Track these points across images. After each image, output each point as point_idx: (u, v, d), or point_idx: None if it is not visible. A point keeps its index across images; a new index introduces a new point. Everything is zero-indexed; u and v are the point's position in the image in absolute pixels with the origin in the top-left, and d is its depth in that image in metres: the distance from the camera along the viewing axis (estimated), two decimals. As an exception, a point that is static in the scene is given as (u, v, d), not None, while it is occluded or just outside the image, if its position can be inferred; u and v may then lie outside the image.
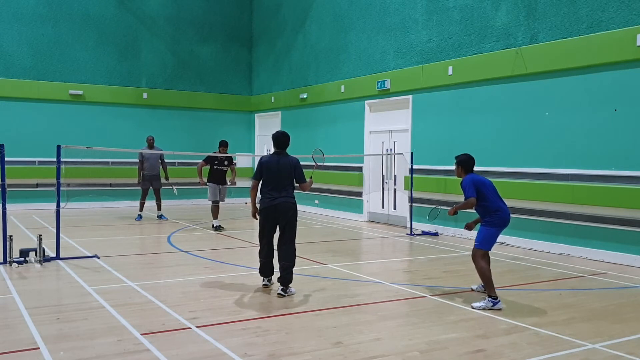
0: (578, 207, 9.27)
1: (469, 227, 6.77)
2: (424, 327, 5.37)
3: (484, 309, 5.97)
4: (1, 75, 15.43)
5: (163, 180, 13.75)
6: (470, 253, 6.55)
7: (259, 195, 6.84)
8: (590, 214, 9.13)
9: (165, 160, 14.10)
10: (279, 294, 6.48)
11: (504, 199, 6.56)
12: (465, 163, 6.61)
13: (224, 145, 12.21)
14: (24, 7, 15.65)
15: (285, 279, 6.54)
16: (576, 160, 9.36)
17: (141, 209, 13.64)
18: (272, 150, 6.91)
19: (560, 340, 5.00)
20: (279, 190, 6.64)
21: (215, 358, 4.48)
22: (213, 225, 12.12)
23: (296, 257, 6.73)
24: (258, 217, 6.83)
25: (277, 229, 6.76)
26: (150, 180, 13.53)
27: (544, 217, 9.85)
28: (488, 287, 6.17)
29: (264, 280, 6.90)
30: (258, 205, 6.82)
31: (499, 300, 6.07)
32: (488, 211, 6.35)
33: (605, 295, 6.76)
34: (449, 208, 7.01)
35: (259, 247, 6.90)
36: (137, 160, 13.59)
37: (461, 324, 5.45)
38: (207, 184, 12.25)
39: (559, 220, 9.60)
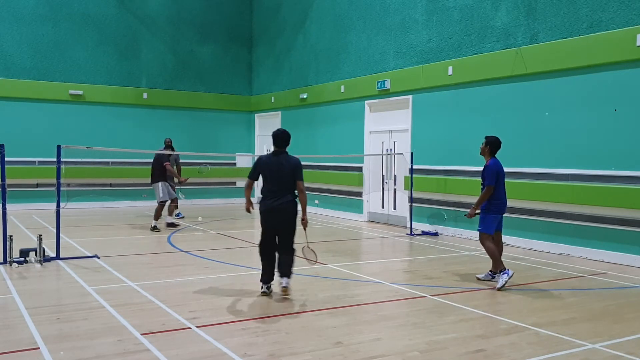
0: (578, 207, 9.27)
1: (470, 215, 7.36)
2: (424, 327, 5.37)
3: (506, 282, 6.87)
4: (1, 75, 15.43)
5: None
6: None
7: (258, 195, 6.81)
8: (590, 214, 9.12)
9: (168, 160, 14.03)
10: (283, 287, 6.33)
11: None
12: (493, 144, 7.37)
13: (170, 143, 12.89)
14: (24, 7, 15.65)
15: (287, 271, 6.44)
16: (576, 160, 9.36)
17: (177, 207, 13.45)
18: (272, 149, 6.66)
19: (560, 340, 5.00)
20: (279, 192, 6.40)
21: (215, 358, 4.48)
22: (156, 227, 11.84)
23: (294, 262, 6.55)
24: (252, 210, 6.72)
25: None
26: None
27: (544, 217, 9.85)
28: (497, 263, 7.13)
29: (262, 288, 6.52)
30: (258, 208, 6.61)
31: (508, 269, 6.99)
32: (495, 198, 7.14)
33: (605, 295, 6.76)
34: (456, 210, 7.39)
35: (259, 248, 6.68)
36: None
37: (461, 324, 5.45)
38: (166, 182, 12.11)
39: (559, 220, 9.60)
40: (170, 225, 12.29)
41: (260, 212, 6.54)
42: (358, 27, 14.22)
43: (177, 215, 13.94)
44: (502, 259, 7.31)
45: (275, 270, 6.55)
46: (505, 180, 10.20)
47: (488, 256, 7.43)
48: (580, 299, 6.53)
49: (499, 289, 6.86)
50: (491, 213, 7.18)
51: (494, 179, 7.11)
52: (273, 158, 6.52)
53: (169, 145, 13.57)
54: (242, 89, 19.11)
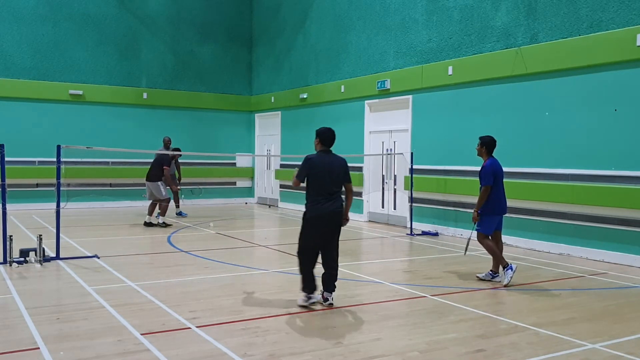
0: (578, 207, 9.27)
1: (475, 219, 7.32)
2: (424, 327, 5.37)
3: (511, 277, 6.97)
4: (1, 75, 15.43)
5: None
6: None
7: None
8: (590, 214, 9.12)
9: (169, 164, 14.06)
10: (329, 304, 5.91)
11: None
12: (489, 144, 7.39)
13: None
14: (24, 7, 15.65)
15: (333, 286, 6.02)
16: (576, 160, 9.36)
17: (178, 206, 14.03)
18: (319, 149, 6.14)
19: (560, 340, 5.00)
20: (330, 195, 5.90)
21: (215, 358, 4.48)
22: (165, 223, 12.45)
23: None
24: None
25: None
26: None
27: (544, 217, 9.85)
28: (498, 259, 7.16)
29: (305, 298, 5.93)
30: (305, 214, 6.02)
31: (510, 265, 7.04)
32: (492, 199, 7.17)
33: (605, 295, 6.76)
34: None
35: (299, 259, 6.05)
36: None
37: (461, 324, 5.45)
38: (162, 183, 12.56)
39: (559, 220, 9.60)
40: (149, 224, 12.34)
41: (311, 218, 5.93)
42: (358, 27, 14.22)
43: (180, 214, 14.03)
44: (481, 255, 7.31)
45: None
46: (506, 180, 10.27)
47: (490, 255, 7.45)
48: (580, 299, 6.53)
49: (506, 285, 6.96)
50: (489, 213, 7.23)
51: (490, 179, 7.15)
52: (325, 158, 6.04)
53: (167, 145, 13.62)
54: (242, 89, 19.11)
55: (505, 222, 10.39)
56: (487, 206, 7.20)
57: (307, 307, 5.93)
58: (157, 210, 12.54)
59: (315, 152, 6.16)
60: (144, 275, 7.57)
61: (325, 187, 5.90)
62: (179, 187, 13.10)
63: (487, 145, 7.41)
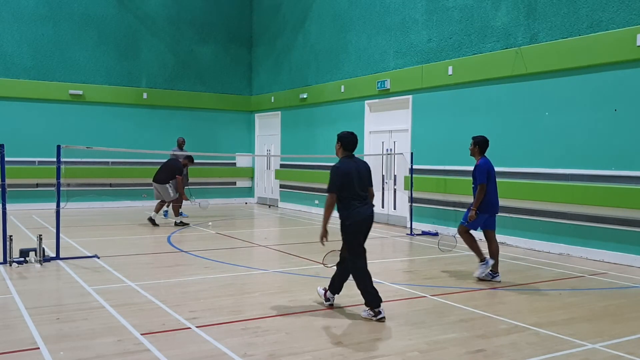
0: (578, 207, 9.27)
1: (471, 218, 7.40)
2: (424, 327, 5.37)
3: (483, 273, 7.25)
4: (1, 75, 15.43)
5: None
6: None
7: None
8: (590, 214, 9.12)
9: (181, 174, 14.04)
10: (380, 318, 5.59)
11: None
12: (482, 144, 7.56)
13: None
14: (24, 7, 15.65)
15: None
16: (576, 160, 9.36)
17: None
18: (346, 153, 5.97)
19: (560, 340, 5.00)
20: (363, 198, 5.80)
21: (215, 358, 4.48)
22: (182, 222, 12.65)
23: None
24: (326, 242, 5.82)
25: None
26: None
27: (544, 217, 9.85)
28: (477, 253, 7.36)
29: (376, 312, 5.61)
30: (346, 220, 5.83)
31: (487, 260, 7.27)
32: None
33: (605, 295, 6.76)
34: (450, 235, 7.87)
35: (359, 272, 5.80)
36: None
37: (461, 324, 5.45)
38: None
39: (559, 220, 9.60)
40: (152, 221, 12.40)
41: (354, 224, 5.77)
42: (358, 27, 14.22)
43: (180, 214, 14.02)
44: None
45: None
46: (507, 180, 10.31)
47: (473, 254, 7.58)
48: (580, 299, 6.53)
49: (478, 278, 7.28)
50: (480, 211, 7.35)
51: (485, 177, 7.31)
52: (352, 163, 5.86)
53: (181, 146, 13.71)
54: (242, 89, 19.11)
55: (506, 222, 10.45)
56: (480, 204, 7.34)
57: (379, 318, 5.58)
58: (163, 209, 12.57)
59: (339, 160, 5.95)
60: (144, 275, 7.57)
61: (359, 191, 5.78)
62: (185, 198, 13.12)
63: (480, 144, 7.56)
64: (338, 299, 6.30)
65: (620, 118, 8.77)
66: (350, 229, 5.77)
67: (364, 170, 5.89)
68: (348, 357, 4.53)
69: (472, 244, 7.43)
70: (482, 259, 7.31)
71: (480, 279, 7.37)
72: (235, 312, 5.82)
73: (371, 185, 5.97)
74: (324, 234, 5.85)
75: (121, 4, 17.00)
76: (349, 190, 5.74)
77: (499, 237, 10.57)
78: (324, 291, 6.15)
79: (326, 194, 5.90)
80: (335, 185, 5.73)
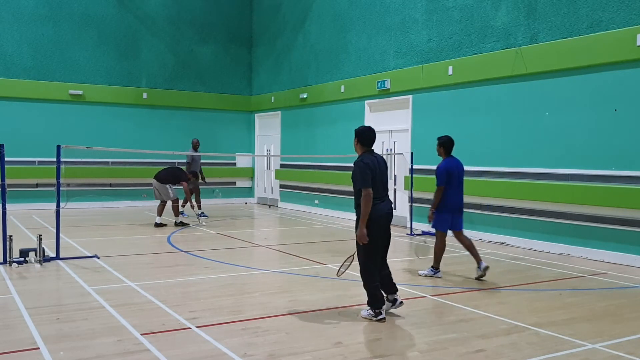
0: (578, 207, 9.27)
1: (430, 218, 7.69)
2: (424, 327, 5.37)
3: (426, 275, 7.59)
4: (1, 75, 15.43)
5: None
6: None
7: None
8: (590, 214, 9.12)
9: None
10: (400, 302, 5.70)
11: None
12: (446, 144, 7.72)
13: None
14: (24, 7, 15.65)
15: (395, 284, 5.84)
16: (576, 160, 9.36)
17: (200, 207, 14.10)
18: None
19: (560, 340, 5.00)
20: (384, 196, 5.68)
21: (215, 358, 4.48)
22: (182, 222, 12.78)
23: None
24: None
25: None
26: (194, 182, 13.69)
27: (544, 217, 9.85)
28: (434, 260, 7.64)
29: (379, 312, 5.57)
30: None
31: (439, 271, 7.61)
32: (442, 198, 7.52)
33: (605, 295, 6.76)
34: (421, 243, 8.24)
35: (368, 272, 5.64)
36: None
37: (461, 324, 5.45)
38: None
39: (559, 220, 9.60)
40: (159, 225, 12.42)
41: (377, 219, 5.55)
42: (358, 27, 14.22)
43: (202, 214, 14.10)
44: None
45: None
46: (505, 180, 10.31)
47: (470, 255, 7.62)
48: (580, 299, 6.53)
49: (420, 275, 7.66)
50: (442, 212, 7.54)
51: (443, 180, 7.46)
52: (373, 158, 5.67)
53: (196, 147, 13.87)
54: (242, 89, 19.11)
55: (506, 222, 10.46)
56: (440, 204, 7.56)
57: (383, 318, 5.57)
58: (182, 209, 12.80)
59: (360, 155, 5.75)
60: (144, 275, 7.57)
61: (378, 189, 5.61)
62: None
63: (444, 145, 7.72)
64: (338, 299, 6.31)
65: (620, 118, 8.77)
66: (372, 226, 5.49)
67: (384, 167, 5.75)
68: (348, 357, 4.53)
69: (439, 250, 7.62)
70: (436, 267, 7.63)
71: (421, 275, 7.66)
72: (235, 312, 5.82)
73: (387, 182, 5.86)
74: (365, 234, 5.49)
75: (121, 4, 17.00)
76: (374, 185, 5.54)
77: (499, 237, 10.62)
78: (368, 312, 5.67)
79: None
80: (368, 179, 5.48)
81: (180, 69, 17.98)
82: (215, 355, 4.54)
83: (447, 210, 7.55)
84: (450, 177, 7.48)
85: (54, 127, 15.73)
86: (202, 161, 15.09)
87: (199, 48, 18.27)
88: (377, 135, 5.98)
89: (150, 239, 10.91)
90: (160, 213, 12.54)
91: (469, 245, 7.59)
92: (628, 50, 8.59)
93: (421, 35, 12.36)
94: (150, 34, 17.47)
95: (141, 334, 4.98)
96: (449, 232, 7.67)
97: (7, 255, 7.90)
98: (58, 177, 8.52)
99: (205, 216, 14.12)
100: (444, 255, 7.76)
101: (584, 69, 9.26)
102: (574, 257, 9.22)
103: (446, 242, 7.72)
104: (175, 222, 12.58)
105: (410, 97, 12.70)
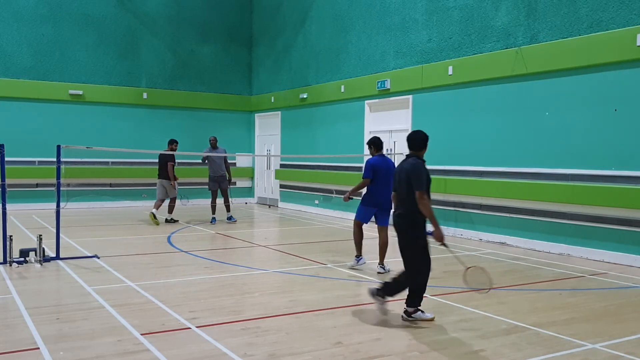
0: (578, 207, 9.27)
1: (345, 199, 8.27)
2: (424, 327, 5.37)
3: (352, 267, 8.06)
4: (1, 75, 15.42)
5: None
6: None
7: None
8: (590, 214, 9.12)
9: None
10: (382, 302, 5.71)
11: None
12: (374, 144, 8.17)
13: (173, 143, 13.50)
14: (24, 7, 15.65)
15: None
16: (576, 160, 9.36)
17: (214, 211, 13.52)
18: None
19: (560, 340, 5.00)
20: (400, 202, 6.03)
21: (215, 358, 4.48)
22: (172, 219, 13.19)
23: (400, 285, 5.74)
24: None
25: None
26: (218, 182, 13.47)
27: (544, 217, 9.85)
28: (357, 247, 8.12)
29: (382, 297, 5.67)
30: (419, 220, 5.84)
31: (361, 258, 8.11)
32: (368, 192, 7.96)
33: (606, 295, 6.76)
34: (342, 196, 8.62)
35: (421, 272, 5.88)
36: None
37: (461, 324, 5.45)
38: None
39: (559, 220, 9.60)
40: (170, 221, 13.07)
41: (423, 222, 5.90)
42: (358, 27, 14.22)
43: (230, 218, 13.65)
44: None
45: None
46: (505, 180, 10.31)
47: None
48: (580, 299, 6.53)
49: (349, 267, 8.04)
50: (364, 204, 8.02)
51: (369, 174, 7.86)
52: (400, 164, 6.21)
53: (214, 145, 13.84)
54: (242, 89, 19.11)
55: (506, 222, 10.45)
56: (364, 197, 8.03)
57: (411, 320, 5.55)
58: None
59: (409, 157, 6.14)
60: (144, 275, 7.57)
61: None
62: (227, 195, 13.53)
63: (373, 144, 8.16)
64: (338, 299, 6.31)
65: (620, 118, 8.77)
66: (422, 228, 5.71)
67: (403, 172, 6.09)
68: (348, 357, 4.53)
69: (356, 237, 8.09)
70: (358, 255, 8.12)
71: (350, 267, 8.04)
72: (235, 312, 5.82)
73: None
74: (443, 236, 5.67)
75: (121, 3, 16.99)
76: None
77: (499, 237, 10.61)
78: (416, 311, 5.64)
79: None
80: (427, 182, 5.68)
81: (180, 69, 17.98)
82: (215, 355, 4.54)
83: (372, 204, 7.96)
84: (376, 174, 7.84)
85: (54, 127, 15.73)
86: (201, 161, 14.99)
87: (199, 48, 18.26)
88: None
89: (150, 239, 10.91)
90: (171, 210, 13.07)
91: (382, 244, 7.90)
92: (628, 50, 8.59)
93: (421, 35, 12.36)
94: (150, 33, 17.47)
95: (141, 334, 4.98)
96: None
97: (7, 255, 7.90)
98: (58, 177, 8.52)
99: (234, 220, 13.62)
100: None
101: (584, 69, 9.26)
102: (574, 257, 9.22)
103: (389, 237, 7.76)
104: (166, 219, 13.05)
105: (410, 97, 12.69)
